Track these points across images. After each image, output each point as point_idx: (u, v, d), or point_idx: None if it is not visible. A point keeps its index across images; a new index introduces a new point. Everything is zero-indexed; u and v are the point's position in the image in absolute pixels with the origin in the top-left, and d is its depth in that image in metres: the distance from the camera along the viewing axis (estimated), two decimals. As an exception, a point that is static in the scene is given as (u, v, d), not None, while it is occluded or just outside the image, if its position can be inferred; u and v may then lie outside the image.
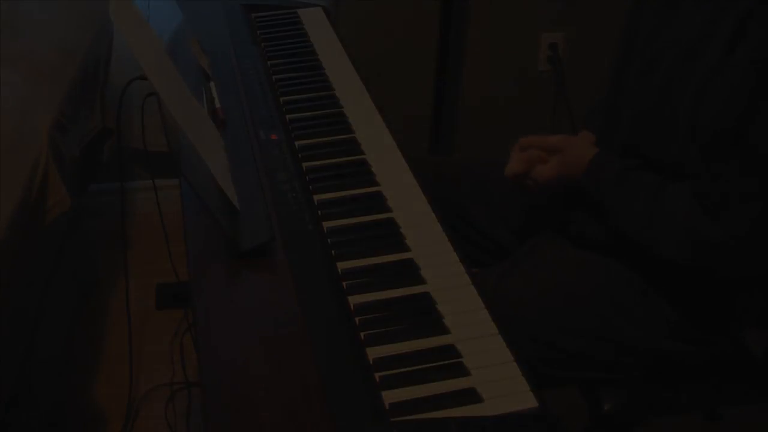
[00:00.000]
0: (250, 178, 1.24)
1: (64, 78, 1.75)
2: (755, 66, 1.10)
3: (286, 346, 0.96)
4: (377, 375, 0.93)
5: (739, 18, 1.12)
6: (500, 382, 0.93)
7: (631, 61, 1.32)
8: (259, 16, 1.83)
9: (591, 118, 1.48)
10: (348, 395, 0.90)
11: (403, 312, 1.03)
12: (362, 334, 0.98)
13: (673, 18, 1.25)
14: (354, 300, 1.04)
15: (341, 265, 1.09)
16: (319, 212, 1.19)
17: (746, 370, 1.35)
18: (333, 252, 1.12)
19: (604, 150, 1.32)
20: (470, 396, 0.91)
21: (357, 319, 1.01)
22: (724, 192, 1.14)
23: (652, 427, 1.32)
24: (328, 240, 1.14)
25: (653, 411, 1.32)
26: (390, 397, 0.90)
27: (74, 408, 1.91)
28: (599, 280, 1.30)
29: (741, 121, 1.12)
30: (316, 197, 1.23)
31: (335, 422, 0.87)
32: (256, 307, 1.03)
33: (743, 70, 1.11)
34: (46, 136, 1.54)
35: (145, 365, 1.92)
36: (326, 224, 1.17)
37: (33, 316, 1.56)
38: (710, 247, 1.16)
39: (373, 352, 0.96)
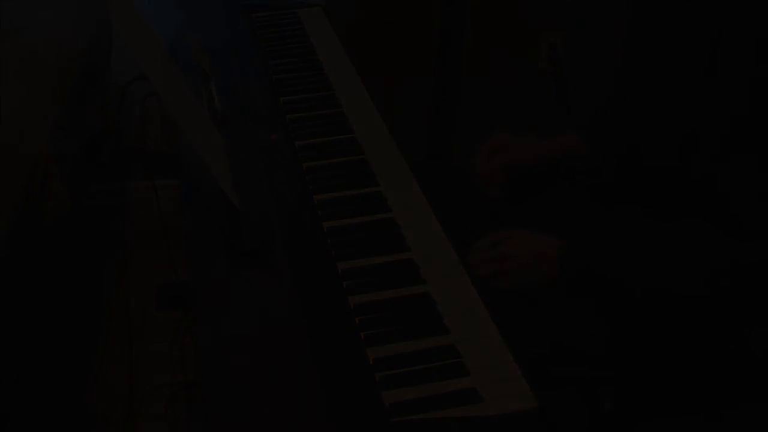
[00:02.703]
0: (250, 178, 1.24)
1: (64, 78, 1.75)
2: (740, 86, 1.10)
3: (286, 345, 0.96)
4: (377, 375, 0.93)
5: (712, 37, 1.13)
6: (500, 382, 0.93)
7: (633, 68, 1.33)
8: (259, 16, 1.83)
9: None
10: (348, 395, 0.90)
11: (403, 312, 1.03)
12: (362, 334, 0.98)
13: (665, 28, 1.25)
14: (354, 300, 1.04)
15: (341, 265, 1.09)
16: (319, 212, 1.19)
17: (746, 370, 1.35)
18: (333, 252, 1.12)
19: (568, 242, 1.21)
20: (470, 396, 0.91)
21: (357, 319, 1.01)
22: (746, 207, 1.10)
23: (652, 427, 1.32)
24: (328, 240, 1.14)
25: (653, 411, 1.32)
26: (390, 397, 0.90)
27: (74, 408, 1.90)
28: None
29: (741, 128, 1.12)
30: (316, 197, 1.23)
31: (335, 422, 0.87)
32: (256, 307, 1.03)
33: (727, 88, 1.12)
34: (46, 136, 1.54)
35: (145, 365, 1.92)
36: (326, 224, 1.17)
37: (33, 316, 1.56)
38: (744, 270, 1.12)
39: (373, 352, 0.96)
